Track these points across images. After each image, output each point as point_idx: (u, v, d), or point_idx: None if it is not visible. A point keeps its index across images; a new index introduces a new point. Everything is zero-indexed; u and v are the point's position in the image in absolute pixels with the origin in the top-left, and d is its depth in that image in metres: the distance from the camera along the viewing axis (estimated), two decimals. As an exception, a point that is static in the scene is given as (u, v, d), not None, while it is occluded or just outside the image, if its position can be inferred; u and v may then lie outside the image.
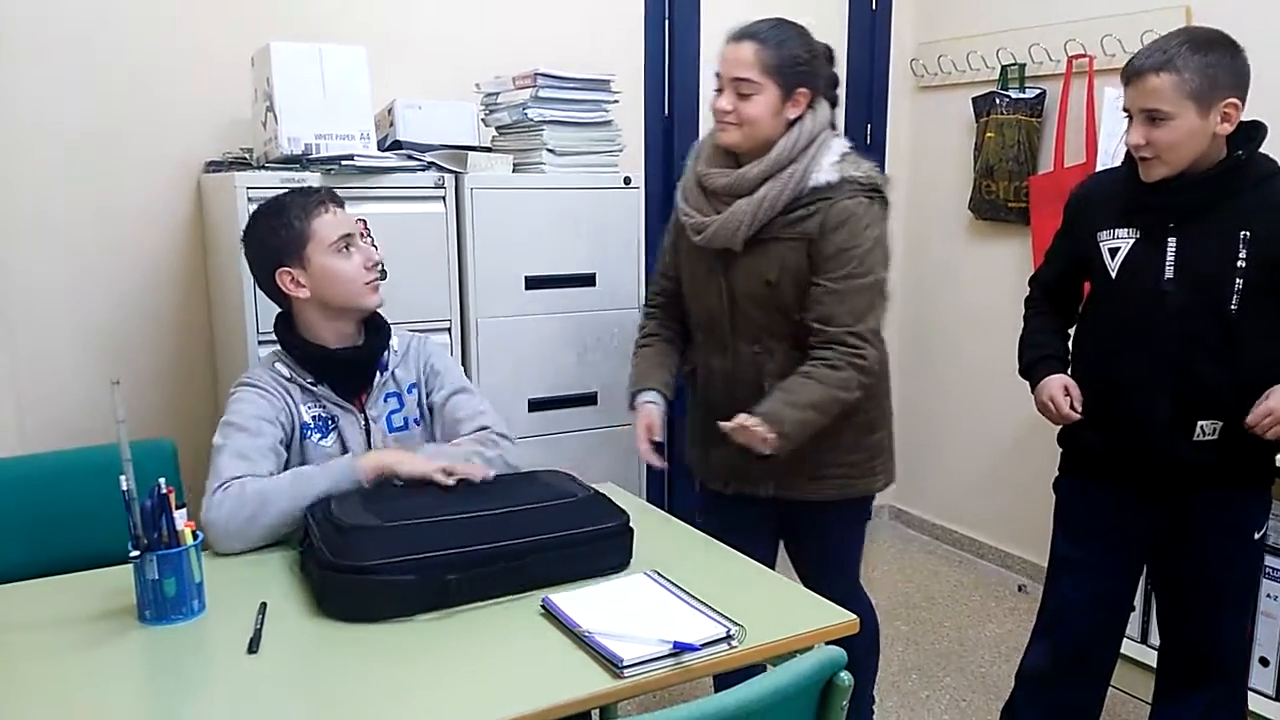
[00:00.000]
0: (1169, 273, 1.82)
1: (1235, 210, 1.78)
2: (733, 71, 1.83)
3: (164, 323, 2.64)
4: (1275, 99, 2.64)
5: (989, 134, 3.32)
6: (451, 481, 1.66)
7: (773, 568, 1.80)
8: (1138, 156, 1.82)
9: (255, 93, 2.40)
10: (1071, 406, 1.94)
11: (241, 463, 1.67)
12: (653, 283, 2.21)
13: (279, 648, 1.35)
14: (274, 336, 1.88)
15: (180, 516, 1.44)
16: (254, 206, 2.07)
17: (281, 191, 1.90)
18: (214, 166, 2.53)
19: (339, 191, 2.24)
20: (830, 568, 2.15)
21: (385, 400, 1.89)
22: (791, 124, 1.88)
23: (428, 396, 1.96)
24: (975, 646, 3.01)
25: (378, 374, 1.89)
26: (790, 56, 1.85)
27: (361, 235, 1.89)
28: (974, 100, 3.41)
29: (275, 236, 1.82)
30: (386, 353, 1.90)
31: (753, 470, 1.98)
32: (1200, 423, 1.84)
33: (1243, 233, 1.77)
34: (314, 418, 1.82)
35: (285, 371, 1.82)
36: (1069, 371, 2.01)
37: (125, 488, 1.41)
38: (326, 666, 1.32)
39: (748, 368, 1.98)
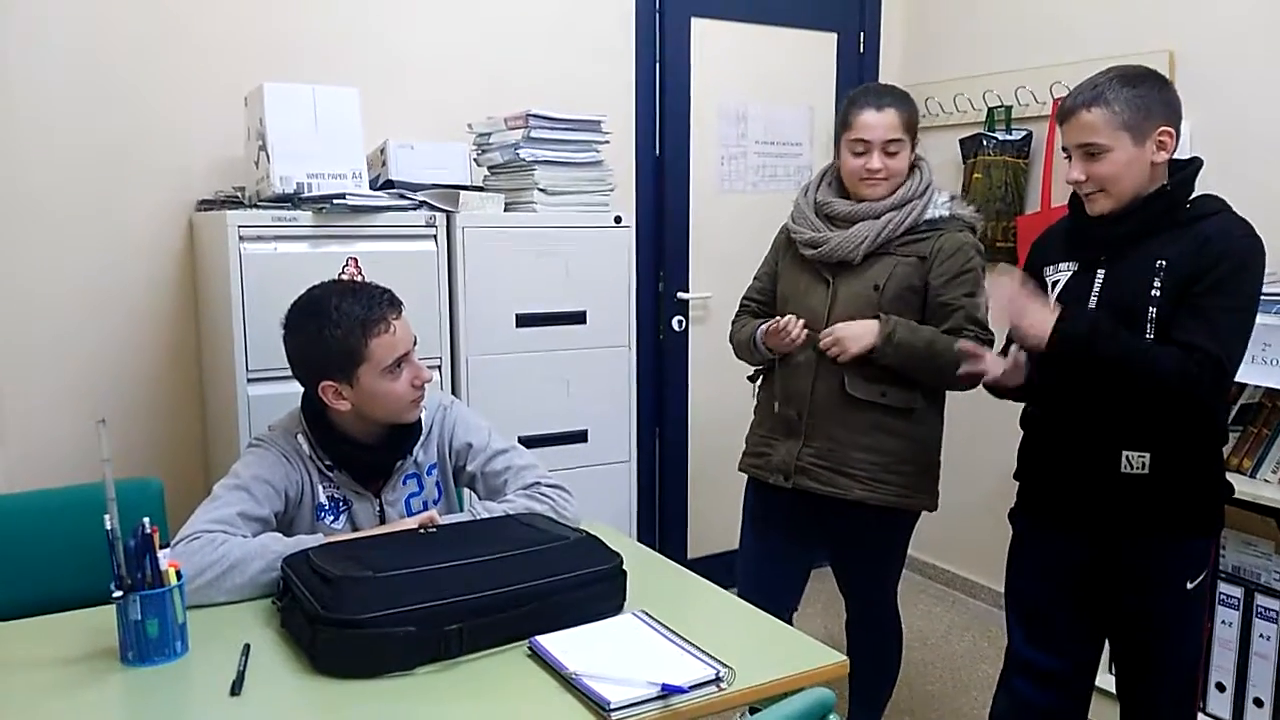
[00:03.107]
0: (1092, 303, 1.84)
1: (1161, 242, 1.79)
2: (885, 135, 2.17)
3: (154, 361, 2.64)
4: (1257, 140, 2.70)
5: (976, 175, 3.36)
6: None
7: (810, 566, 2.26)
8: (1081, 192, 1.85)
9: (248, 132, 2.41)
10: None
11: (222, 521, 1.62)
12: (747, 295, 2.47)
13: (261, 690, 1.34)
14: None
15: (164, 557, 1.43)
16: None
17: (336, 283, 1.78)
18: (206, 205, 2.53)
19: (330, 230, 2.26)
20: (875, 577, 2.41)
21: (404, 483, 1.85)
22: (909, 170, 2.25)
23: (463, 469, 1.91)
24: (968, 687, 2.99)
25: (398, 460, 1.84)
26: (917, 116, 2.25)
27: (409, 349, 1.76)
28: (961, 142, 3.45)
29: (325, 346, 1.68)
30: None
31: (813, 468, 2.21)
32: (1126, 453, 1.83)
33: (1159, 262, 1.77)
34: (329, 498, 1.78)
35: (306, 448, 1.78)
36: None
37: (109, 527, 1.40)
38: (308, 710, 1.31)
39: (831, 360, 2.18)
